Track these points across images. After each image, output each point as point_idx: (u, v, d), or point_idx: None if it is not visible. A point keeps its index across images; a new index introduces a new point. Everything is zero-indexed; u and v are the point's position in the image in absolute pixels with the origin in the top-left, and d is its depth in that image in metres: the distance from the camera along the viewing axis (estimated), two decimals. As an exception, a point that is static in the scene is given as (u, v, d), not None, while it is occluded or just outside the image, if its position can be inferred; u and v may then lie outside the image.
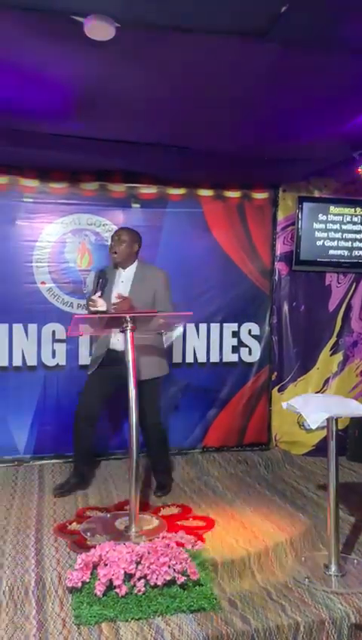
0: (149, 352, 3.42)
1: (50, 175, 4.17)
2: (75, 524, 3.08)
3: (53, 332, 4.23)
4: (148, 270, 3.56)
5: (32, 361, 4.20)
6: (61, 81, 2.67)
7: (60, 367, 4.25)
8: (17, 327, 4.17)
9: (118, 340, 3.43)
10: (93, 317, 3.21)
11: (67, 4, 2.06)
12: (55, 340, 4.24)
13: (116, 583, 2.38)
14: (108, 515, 3.18)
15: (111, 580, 2.39)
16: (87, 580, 2.43)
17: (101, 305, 3.22)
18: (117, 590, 2.38)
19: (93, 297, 3.24)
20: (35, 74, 2.58)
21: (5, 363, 4.16)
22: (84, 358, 4.25)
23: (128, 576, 2.43)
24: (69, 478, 3.63)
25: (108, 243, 4.27)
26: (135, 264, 3.53)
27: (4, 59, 2.44)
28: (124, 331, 3.06)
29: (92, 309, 3.23)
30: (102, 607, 2.35)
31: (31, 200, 4.18)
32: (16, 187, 4.14)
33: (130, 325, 3.03)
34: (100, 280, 3.29)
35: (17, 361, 4.18)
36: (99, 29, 2.13)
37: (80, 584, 2.42)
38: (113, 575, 2.39)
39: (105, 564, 2.45)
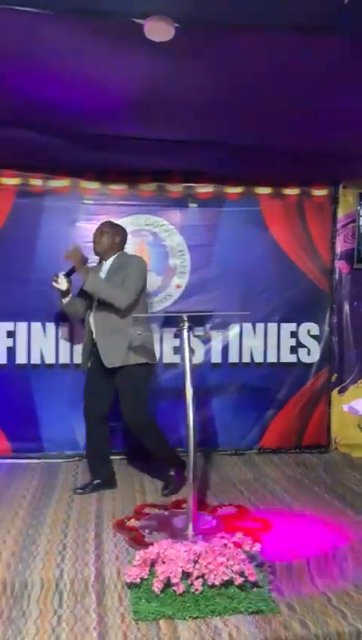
0: (115, 337, 3.39)
1: (110, 177, 4.24)
2: (133, 520, 3.12)
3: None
4: (125, 258, 3.55)
5: (91, 360, 4.28)
6: (120, 83, 2.71)
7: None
8: (77, 326, 4.25)
9: (91, 327, 3.49)
10: (151, 316, 3.26)
11: (127, 7, 2.09)
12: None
13: (174, 580, 2.39)
14: (166, 513, 3.21)
15: (169, 578, 2.41)
16: (146, 577, 2.45)
17: (61, 283, 3.39)
18: (175, 588, 2.39)
19: (58, 274, 3.40)
20: (94, 77, 2.63)
21: (67, 360, 4.27)
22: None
23: (186, 575, 2.43)
24: (91, 479, 3.62)
25: (166, 243, 4.36)
26: (115, 256, 3.53)
27: (63, 63, 2.49)
28: (180, 331, 3.05)
29: (54, 285, 3.40)
30: (160, 604, 2.37)
31: (91, 202, 4.27)
32: (77, 189, 4.25)
33: (186, 325, 3.02)
34: (74, 266, 3.38)
35: (78, 359, 4.27)
36: (159, 30, 2.15)
37: (138, 580, 2.45)
38: (171, 573, 2.40)
39: (163, 562, 2.47)
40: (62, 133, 3.37)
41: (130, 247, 4.29)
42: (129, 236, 4.28)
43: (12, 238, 4.15)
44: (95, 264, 3.63)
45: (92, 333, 3.48)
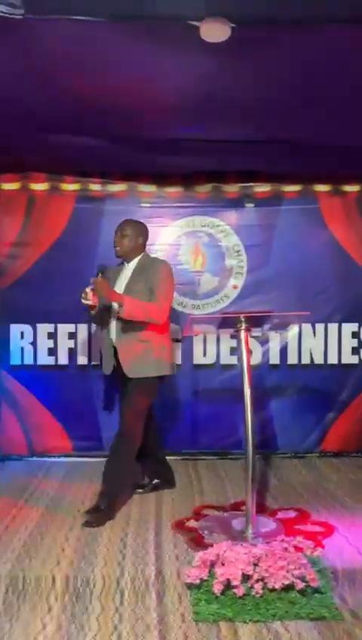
0: (137, 346, 3.24)
1: (166, 180, 4.28)
2: (192, 521, 3.12)
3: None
4: (149, 261, 3.40)
5: (149, 360, 4.33)
6: (176, 85, 2.73)
7: (176, 366, 4.33)
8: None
9: (113, 334, 3.32)
10: (208, 317, 3.24)
11: (181, 10, 2.10)
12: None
13: (234, 583, 2.38)
14: (225, 515, 3.20)
15: (228, 580, 2.40)
16: (206, 578, 2.45)
17: (93, 299, 3.18)
18: (235, 590, 2.38)
19: (87, 290, 3.17)
20: (150, 81, 2.66)
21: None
22: (199, 358, 4.32)
23: (246, 578, 2.42)
24: (149, 479, 3.64)
25: (222, 244, 4.34)
26: (139, 257, 3.39)
27: (119, 68, 2.53)
28: (237, 332, 3.04)
29: (83, 301, 3.20)
30: (220, 605, 2.37)
31: (148, 205, 4.32)
32: (135, 193, 4.31)
33: (243, 325, 3.00)
34: (99, 274, 3.20)
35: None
36: (214, 31, 2.16)
37: (198, 581, 2.45)
38: (231, 575, 2.40)
39: (223, 564, 2.46)
40: (118, 138, 3.43)
41: (185, 249, 4.34)
42: (183, 237, 4.34)
43: (73, 241, 4.26)
44: (115, 266, 3.50)
45: (112, 340, 3.32)
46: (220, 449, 4.31)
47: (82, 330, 4.31)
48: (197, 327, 4.24)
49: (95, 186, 4.29)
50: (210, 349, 4.34)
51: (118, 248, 3.37)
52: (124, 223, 3.40)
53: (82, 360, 4.33)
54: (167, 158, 3.80)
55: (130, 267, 3.38)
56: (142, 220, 4.26)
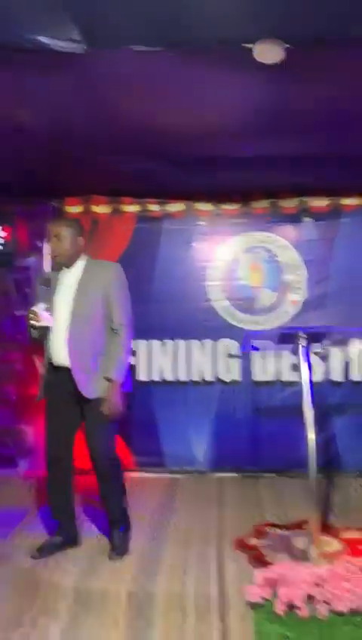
0: (94, 362, 2.86)
1: (223, 197, 4.32)
2: (254, 539, 3.09)
3: (228, 348, 4.34)
4: (98, 266, 2.99)
5: (208, 376, 4.35)
6: (230, 106, 2.78)
7: (235, 383, 4.34)
8: (194, 344, 4.36)
9: (60, 352, 2.85)
10: (267, 333, 3.20)
11: (234, 33, 2.14)
12: (229, 356, 4.35)
13: (297, 604, 2.34)
14: (287, 533, 3.14)
15: (292, 601, 2.36)
16: (268, 598, 2.42)
17: (45, 319, 2.80)
18: (298, 612, 2.34)
19: (35, 309, 2.79)
20: (206, 102, 2.72)
21: (184, 377, 4.37)
22: (259, 374, 4.30)
23: (309, 599, 2.37)
24: (51, 538, 3.02)
25: (280, 259, 4.32)
26: (82, 261, 2.95)
27: (176, 92, 2.60)
28: (297, 348, 2.99)
29: (33, 322, 2.78)
30: (283, 626, 2.33)
31: (205, 223, 4.38)
32: (192, 212, 4.38)
33: (303, 341, 2.96)
34: (42, 288, 2.89)
35: (195, 376, 4.37)
36: (268, 53, 2.18)
37: (260, 600, 2.42)
38: (294, 596, 2.35)
39: (286, 584, 2.42)
40: (176, 159, 3.51)
41: (243, 265, 4.35)
42: (241, 254, 4.36)
43: (134, 260, 4.35)
44: (44, 275, 3.15)
45: (50, 356, 2.90)
46: (281, 467, 4.24)
47: (142, 346, 4.38)
48: (255, 343, 4.26)
49: (153, 207, 4.40)
50: (269, 365, 4.31)
51: (56, 255, 2.91)
52: (56, 225, 2.95)
53: (143, 376, 4.40)
54: (224, 176, 3.85)
55: (73, 273, 2.93)
56: (200, 238, 4.38)
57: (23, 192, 4.24)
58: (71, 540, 3.03)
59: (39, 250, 4.43)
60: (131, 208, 4.39)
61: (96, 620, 2.49)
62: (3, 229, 4.34)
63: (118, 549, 2.93)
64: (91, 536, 3.17)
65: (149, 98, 2.65)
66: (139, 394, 4.38)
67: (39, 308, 2.81)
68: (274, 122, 2.93)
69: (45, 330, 2.86)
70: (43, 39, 2.10)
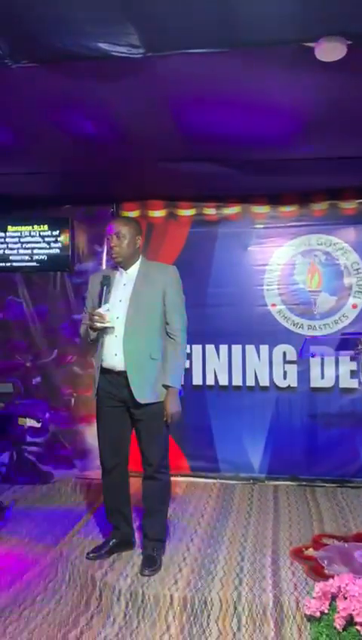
0: (149, 366, 2.82)
1: (280, 199, 4.26)
2: (311, 549, 3.01)
3: (284, 353, 4.26)
4: (154, 267, 2.98)
5: (264, 382, 4.29)
6: (289, 107, 2.73)
7: (292, 389, 4.25)
8: (250, 348, 4.31)
9: (115, 356, 2.81)
10: (326, 338, 3.12)
11: (295, 33, 2.10)
12: (286, 362, 4.27)
13: (357, 619, 2.25)
14: (346, 545, 3.04)
15: (351, 615, 2.27)
16: (326, 611, 2.34)
17: (110, 320, 2.78)
18: (358, 627, 2.25)
19: (100, 311, 2.77)
20: (265, 104, 2.68)
21: (240, 383, 4.32)
22: (317, 381, 4.20)
23: (370, 615, 2.28)
24: (107, 540, 3.03)
25: (340, 262, 4.21)
26: (138, 263, 2.93)
27: (235, 94, 2.57)
28: (358, 354, 2.91)
29: (98, 324, 2.76)
30: (342, 642, 2.25)
31: (262, 226, 4.32)
32: (248, 215, 4.33)
33: (365, 347, 2.87)
34: (105, 288, 2.82)
35: (250, 382, 4.31)
36: (330, 51, 2.13)
37: (318, 614, 2.35)
38: (354, 610, 2.26)
39: (345, 597, 2.34)
40: (234, 162, 3.48)
41: (300, 268, 4.26)
42: (299, 257, 4.27)
43: (189, 265, 4.34)
44: (101, 273, 3.04)
45: (102, 360, 2.86)
46: (339, 476, 4.12)
47: (196, 350, 4.37)
48: (314, 348, 4.16)
49: (209, 210, 4.38)
50: (328, 371, 4.20)
51: (116, 254, 2.86)
52: (117, 223, 2.91)
53: (196, 380, 4.38)
54: (282, 178, 3.79)
55: (129, 275, 2.91)
56: (256, 241, 4.33)
57: (83, 198, 4.33)
58: (126, 542, 3.04)
59: (98, 255, 4.51)
60: (187, 212, 4.40)
61: (150, 623, 2.49)
62: (62, 234, 4.44)
63: (153, 564, 2.81)
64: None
65: (208, 101, 2.64)
66: (194, 398, 4.37)
67: (104, 309, 2.79)
68: (335, 122, 2.86)
69: (102, 333, 2.84)
70: (103, 45, 2.12)
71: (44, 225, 4.48)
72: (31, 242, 4.49)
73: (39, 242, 4.48)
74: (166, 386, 2.84)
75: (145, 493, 2.92)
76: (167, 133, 3.00)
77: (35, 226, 4.48)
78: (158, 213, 4.41)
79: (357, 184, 4.08)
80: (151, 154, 3.31)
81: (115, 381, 2.85)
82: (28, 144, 3.21)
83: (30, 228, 4.49)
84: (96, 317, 2.77)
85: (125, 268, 2.92)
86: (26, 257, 4.50)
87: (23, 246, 4.51)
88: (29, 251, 4.49)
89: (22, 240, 4.50)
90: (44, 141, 3.15)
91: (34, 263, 4.49)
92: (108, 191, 4.25)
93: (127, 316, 2.82)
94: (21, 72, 2.30)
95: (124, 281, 2.90)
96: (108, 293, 2.84)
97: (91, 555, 2.96)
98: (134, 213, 4.40)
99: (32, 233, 4.50)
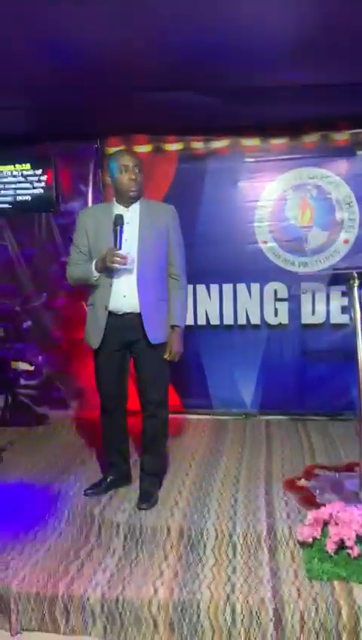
0: (164, 306, 2.86)
1: (271, 132, 4.10)
2: (303, 480, 3.10)
3: (276, 291, 4.24)
4: (155, 206, 2.91)
5: (255, 320, 4.29)
6: (276, 27, 2.57)
7: (283, 326, 4.26)
8: (241, 287, 4.27)
9: (123, 297, 2.76)
10: (317, 274, 3.09)
11: None
12: (277, 299, 4.25)
13: (348, 543, 2.35)
14: (337, 475, 3.13)
15: (342, 540, 2.36)
16: (318, 537, 2.44)
17: (131, 260, 2.69)
18: (349, 551, 2.35)
19: (121, 252, 2.66)
20: (247, 24, 2.52)
21: (231, 322, 4.32)
22: (307, 317, 4.20)
23: (360, 539, 2.37)
24: (104, 476, 3.11)
25: (332, 196, 4.09)
26: (142, 200, 2.85)
27: (216, 9, 2.39)
28: (350, 289, 2.85)
29: (117, 266, 2.66)
30: (333, 565, 2.34)
31: (252, 160, 4.18)
32: (238, 148, 4.19)
33: (357, 282, 2.83)
34: (120, 227, 2.69)
35: (242, 320, 4.31)
36: None
37: (311, 540, 2.44)
38: (345, 535, 2.36)
39: (336, 524, 2.43)
40: (220, 91, 3.32)
41: (292, 203, 4.16)
42: (290, 191, 4.17)
43: (176, 203, 4.12)
44: (95, 210, 3.02)
45: (107, 303, 2.77)
46: (330, 410, 4.21)
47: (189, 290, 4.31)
48: (305, 285, 4.14)
49: (197, 144, 4.23)
50: (319, 307, 4.19)
51: (136, 188, 2.76)
52: (133, 155, 2.81)
53: (188, 320, 4.35)
54: (271, 108, 3.63)
55: (131, 213, 2.80)
56: (246, 176, 4.20)
57: (65, 134, 4.14)
58: (124, 478, 3.11)
59: (83, 194, 4.38)
60: (174, 147, 4.24)
61: (148, 554, 2.58)
62: (44, 173, 4.28)
63: (150, 498, 2.87)
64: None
65: (190, 20, 2.47)
66: (185, 338, 4.33)
67: (125, 250, 2.69)
68: (327, 45, 2.70)
69: (107, 274, 2.75)
70: None
71: (26, 164, 4.31)
72: (13, 182, 4.34)
73: (22, 182, 4.33)
74: (172, 326, 2.86)
75: (147, 431, 2.94)
76: (148, 59, 2.83)
77: (17, 165, 4.32)
78: (144, 148, 4.24)
79: (348, 114, 3.92)
80: (136, 83, 3.14)
81: (118, 324, 2.79)
82: (4, 75, 3.03)
83: (12, 167, 4.33)
84: (118, 258, 2.66)
85: (128, 205, 2.81)
86: (9, 199, 4.36)
87: (5, 187, 4.36)
88: (12, 192, 4.34)
89: (3, 180, 4.35)
90: (20, 72, 2.97)
91: (17, 205, 4.35)
92: (91, 126, 4.06)
93: (139, 256, 2.75)
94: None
95: (127, 220, 2.77)
96: (120, 234, 2.70)
97: (89, 491, 3.03)
98: (119, 149, 4.23)
99: (15, 173, 4.33)
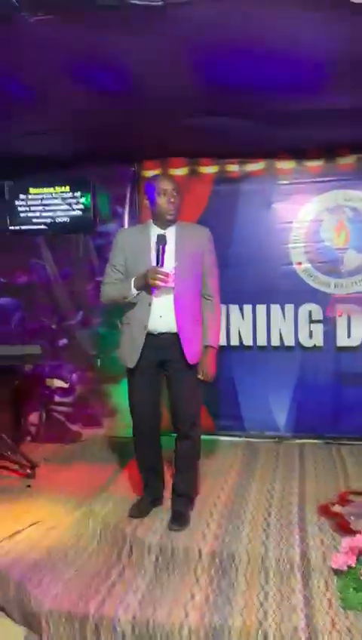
0: (198, 326, 2.89)
1: (305, 154, 4.12)
2: (337, 506, 3.04)
3: (310, 312, 4.21)
4: (190, 228, 2.95)
5: (289, 342, 4.26)
6: (316, 54, 2.60)
7: (318, 348, 4.22)
8: (275, 308, 4.26)
9: (160, 317, 2.78)
10: (353, 297, 3.05)
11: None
12: (312, 321, 4.22)
13: (384, 573, 2.29)
14: (373, 502, 3.06)
15: (378, 570, 2.31)
16: (353, 565, 2.38)
17: (172, 279, 2.70)
18: (385, 581, 2.29)
19: (164, 270, 2.67)
20: (286, 51, 2.56)
21: (264, 343, 4.30)
22: (343, 339, 4.15)
23: (397, 569, 2.31)
24: (143, 497, 3.09)
25: (337, 216, 4.04)
26: (178, 223, 2.90)
27: (255, 41, 2.44)
28: None
29: (160, 284, 2.67)
30: (369, 595, 2.29)
31: (286, 182, 4.20)
32: (272, 170, 4.21)
33: None
34: (162, 246, 2.71)
35: (275, 341, 4.28)
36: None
37: (345, 568, 2.39)
38: (381, 565, 2.30)
39: (372, 553, 2.37)
40: (256, 115, 3.36)
41: (327, 225, 4.15)
42: (326, 213, 4.16)
43: (211, 224, 4.17)
44: (137, 228, 3.12)
45: (146, 324, 2.78)
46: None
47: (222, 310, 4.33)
48: (340, 307, 4.10)
49: (232, 167, 4.27)
50: (354, 330, 4.14)
51: (173, 211, 2.82)
52: (171, 179, 2.90)
53: (221, 341, 4.35)
54: (307, 131, 3.65)
55: (171, 233, 2.84)
56: (280, 198, 4.21)
57: (103, 158, 4.25)
58: (159, 498, 3.11)
59: (119, 216, 4.46)
60: (209, 169, 4.29)
61: (180, 576, 2.56)
62: (82, 196, 4.39)
63: (182, 519, 2.87)
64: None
65: (231, 50, 2.52)
66: (218, 358, 4.33)
67: (168, 268, 2.70)
68: (356, 70, 2.71)
69: (145, 294, 2.77)
70: (121, -7, 2.03)
71: (65, 186, 4.43)
72: (52, 204, 4.46)
73: (61, 204, 4.44)
74: (206, 347, 2.89)
75: (180, 452, 2.94)
76: (188, 87, 2.89)
77: (57, 188, 4.44)
78: (180, 171, 4.31)
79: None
80: (172, 109, 3.21)
81: (154, 343, 2.80)
82: (46, 101, 3.13)
83: (52, 190, 4.44)
84: (160, 275, 2.68)
85: (164, 227, 2.85)
86: (48, 220, 4.47)
87: (45, 208, 4.48)
88: (51, 213, 4.46)
89: (44, 202, 4.47)
90: (62, 98, 3.07)
91: (56, 226, 4.46)
92: (128, 150, 4.16)
93: (177, 277, 2.76)
94: (38, 26, 2.22)
95: (169, 242, 2.81)
96: (163, 253, 2.73)
97: (134, 514, 2.97)
98: (155, 172, 4.31)
99: (54, 195, 4.45)
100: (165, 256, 2.74)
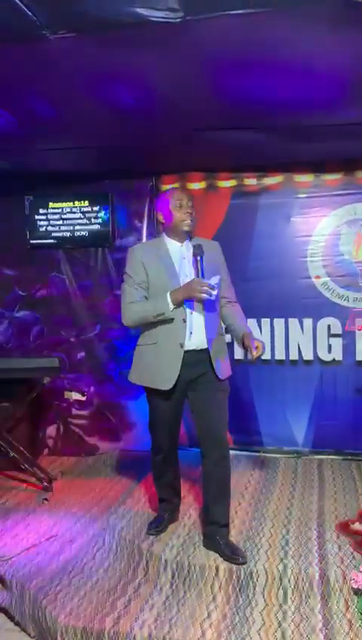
0: (223, 340, 2.88)
1: (324, 167, 4.11)
2: (357, 524, 2.98)
3: (329, 326, 4.17)
4: (202, 241, 2.86)
5: (308, 356, 4.22)
6: (335, 68, 2.60)
7: (337, 362, 4.17)
8: (293, 322, 4.23)
9: (190, 334, 2.68)
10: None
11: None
12: (331, 335, 4.18)
13: None
14: (394, 521, 3.00)
15: None
16: (375, 586, 2.33)
17: (216, 291, 2.60)
18: None
19: (210, 282, 2.58)
20: (305, 66, 2.56)
21: (282, 357, 4.26)
22: (362, 354, 4.11)
23: None
24: (160, 514, 3.05)
25: (355, 230, 4.02)
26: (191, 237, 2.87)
27: (275, 57, 2.46)
28: None
29: (205, 296, 2.56)
30: (391, 616, 2.23)
31: (305, 195, 4.19)
32: (290, 184, 4.20)
33: None
34: (200, 258, 2.65)
35: (294, 355, 4.24)
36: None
37: (366, 588, 2.33)
38: None
39: (394, 573, 2.32)
40: (275, 129, 3.36)
41: (346, 239, 4.12)
42: (344, 227, 4.13)
43: (228, 238, 4.25)
44: (152, 242, 3.02)
45: (183, 342, 2.67)
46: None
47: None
48: (360, 321, 4.06)
49: (250, 181, 4.27)
50: (374, 344, 4.09)
51: (191, 224, 2.77)
52: (188, 193, 2.88)
53: (238, 354, 4.35)
54: (325, 144, 3.64)
55: (188, 247, 2.81)
56: (299, 212, 4.20)
57: (122, 172, 4.29)
58: (176, 513, 3.09)
59: (137, 230, 4.49)
60: (227, 183, 4.30)
61: (196, 593, 2.53)
62: (101, 210, 4.43)
63: (239, 549, 2.70)
64: (191, 511, 3.20)
65: (249, 66, 2.54)
66: (235, 372, 4.26)
67: (213, 281, 2.61)
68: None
69: (176, 312, 2.65)
70: (141, 11, 2.06)
71: (84, 201, 4.47)
72: (72, 218, 4.50)
73: (80, 218, 4.49)
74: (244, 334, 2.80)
75: (215, 478, 2.76)
76: (206, 102, 2.91)
77: (76, 202, 4.49)
78: (198, 185, 4.33)
79: None
80: (191, 124, 3.23)
81: (183, 362, 2.68)
82: (66, 118, 3.18)
83: (71, 204, 4.49)
84: (206, 288, 2.56)
85: (181, 241, 2.81)
86: (68, 234, 4.52)
87: (65, 222, 4.52)
88: (71, 227, 4.51)
89: (63, 216, 4.52)
90: (82, 114, 3.11)
91: (75, 240, 4.50)
92: (147, 164, 4.20)
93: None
94: (59, 43, 2.26)
95: (183, 255, 2.79)
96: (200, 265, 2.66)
97: (153, 531, 2.94)
98: (173, 186, 4.34)
99: (73, 209, 4.50)
100: (185, 271, 2.73)
